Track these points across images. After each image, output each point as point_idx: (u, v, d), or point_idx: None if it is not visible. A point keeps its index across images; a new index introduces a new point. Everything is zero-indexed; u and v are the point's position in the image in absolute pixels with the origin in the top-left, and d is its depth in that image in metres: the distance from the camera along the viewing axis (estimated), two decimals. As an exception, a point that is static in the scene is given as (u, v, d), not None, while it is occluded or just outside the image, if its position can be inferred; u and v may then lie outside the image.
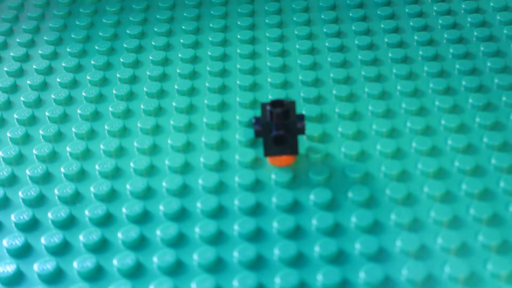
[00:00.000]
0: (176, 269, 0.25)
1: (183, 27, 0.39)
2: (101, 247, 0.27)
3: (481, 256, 0.25)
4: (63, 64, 0.37)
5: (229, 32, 0.39)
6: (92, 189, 0.29)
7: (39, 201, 0.29)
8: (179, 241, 0.27)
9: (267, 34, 0.38)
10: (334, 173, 0.29)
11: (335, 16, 0.39)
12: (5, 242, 0.27)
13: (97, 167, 0.30)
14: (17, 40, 0.39)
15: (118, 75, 0.36)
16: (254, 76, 0.35)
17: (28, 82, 0.36)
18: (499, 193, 0.28)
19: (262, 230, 0.27)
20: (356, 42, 0.37)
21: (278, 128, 0.28)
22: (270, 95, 0.34)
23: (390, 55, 0.36)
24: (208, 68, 0.36)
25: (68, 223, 0.28)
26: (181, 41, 0.38)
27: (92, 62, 0.37)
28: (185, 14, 0.40)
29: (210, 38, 0.38)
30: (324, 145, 0.30)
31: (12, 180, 0.30)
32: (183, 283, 0.25)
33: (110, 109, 0.33)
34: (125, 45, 0.38)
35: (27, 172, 0.30)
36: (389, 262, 0.25)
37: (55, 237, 0.27)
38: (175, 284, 0.25)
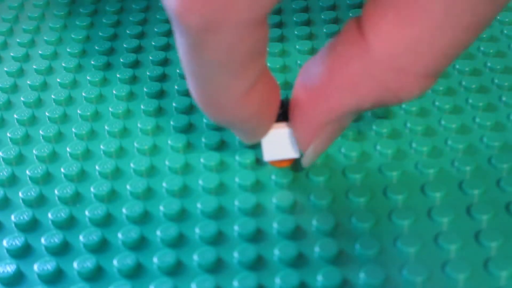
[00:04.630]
0: (176, 270, 0.26)
1: (183, 27, 0.39)
2: (101, 247, 0.27)
3: (481, 255, 0.25)
4: (63, 64, 0.37)
5: (229, 32, 0.39)
6: (92, 189, 0.29)
7: (39, 201, 0.29)
8: (179, 242, 0.27)
9: (267, 35, 0.38)
10: (334, 173, 0.29)
11: (335, 16, 0.39)
12: (5, 242, 0.27)
13: (97, 167, 0.30)
14: (17, 40, 0.39)
15: (118, 76, 0.36)
16: (254, 77, 0.35)
17: (28, 82, 0.36)
18: (499, 193, 0.28)
19: (262, 230, 0.27)
20: (356, 42, 0.37)
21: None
22: (270, 96, 0.34)
23: (390, 55, 0.36)
24: (208, 69, 0.36)
25: (68, 224, 0.28)
26: (181, 41, 0.38)
27: (92, 62, 0.37)
28: (185, 15, 0.40)
29: (210, 39, 0.38)
30: (324, 145, 0.30)
31: (12, 180, 0.30)
32: (183, 283, 0.25)
33: (110, 109, 0.33)
34: (125, 45, 0.38)
35: (27, 172, 0.30)
36: (389, 262, 0.25)
37: (55, 237, 0.27)
38: (175, 285, 0.25)
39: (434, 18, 0.21)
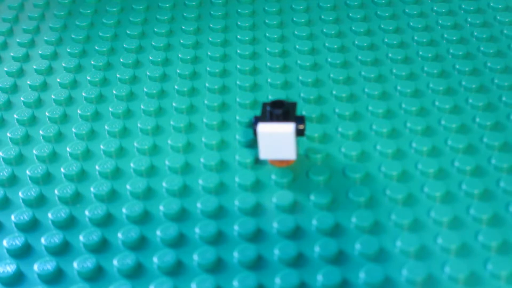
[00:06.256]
0: (176, 269, 0.26)
1: (183, 27, 0.39)
2: (101, 247, 0.27)
3: (481, 256, 0.25)
4: (63, 64, 0.37)
5: (229, 32, 0.39)
6: (92, 189, 0.29)
7: (39, 201, 0.29)
8: (179, 242, 0.27)
9: (267, 35, 0.38)
10: (334, 173, 0.29)
11: (335, 16, 0.39)
12: (5, 242, 0.27)
13: (97, 167, 0.30)
14: (17, 40, 0.39)
15: (118, 76, 0.36)
16: (254, 77, 0.35)
17: (28, 82, 0.36)
18: (499, 193, 0.28)
19: (262, 230, 0.27)
20: (356, 42, 0.37)
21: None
22: (270, 96, 0.34)
23: (389, 55, 0.36)
24: (208, 69, 0.36)
25: (68, 224, 0.28)
26: (181, 41, 0.38)
27: (92, 62, 0.37)
28: (185, 15, 0.40)
29: (210, 39, 0.38)
30: (324, 145, 0.30)
31: (12, 180, 0.30)
32: (183, 283, 0.25)
33: (110, 109, 0.33)
34: (125, 45, 0.38)
35: (27, 172, 0.30)
36: (389, 262, 0.25)
37: (55, 237, 0.27)
38: (175, 284, 0.25)
39: None
